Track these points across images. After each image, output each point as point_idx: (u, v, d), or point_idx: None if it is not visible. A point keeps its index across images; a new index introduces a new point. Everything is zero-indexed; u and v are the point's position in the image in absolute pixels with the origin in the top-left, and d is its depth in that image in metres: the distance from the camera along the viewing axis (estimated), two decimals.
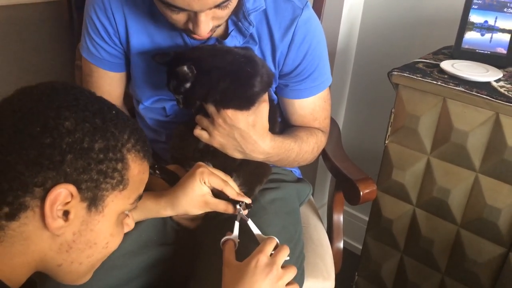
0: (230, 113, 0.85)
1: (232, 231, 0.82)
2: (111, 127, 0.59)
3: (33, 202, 0.55)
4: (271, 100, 0.95)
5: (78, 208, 0.57)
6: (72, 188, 0.55)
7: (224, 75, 0.84)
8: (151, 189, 0.89)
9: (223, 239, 0.82)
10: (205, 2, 0.75)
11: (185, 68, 0.82)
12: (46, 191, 0.54)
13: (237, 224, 0.83)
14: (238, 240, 0.81)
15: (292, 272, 0.76)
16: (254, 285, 0.72)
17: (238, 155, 0.91)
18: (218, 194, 0.85)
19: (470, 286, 1.21)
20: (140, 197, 0.65)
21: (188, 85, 0.85)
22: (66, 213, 0.56)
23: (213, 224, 0.93)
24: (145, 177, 0.65)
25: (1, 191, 0.54)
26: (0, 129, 0.55)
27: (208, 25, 0.79)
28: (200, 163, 0.85)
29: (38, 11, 4.70)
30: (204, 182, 0.82)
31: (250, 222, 0.83)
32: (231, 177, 0.90)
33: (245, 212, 0.84)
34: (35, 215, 0.55)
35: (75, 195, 0.56)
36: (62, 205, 0.55)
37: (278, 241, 0.79)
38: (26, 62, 3.56)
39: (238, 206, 0.83)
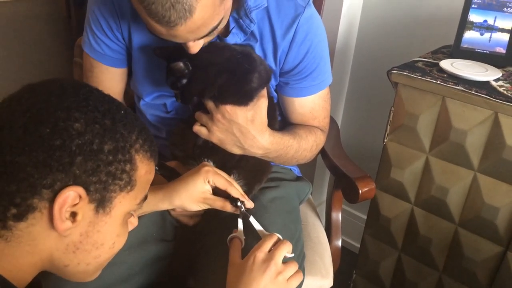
0: (229, 108, 0.85)
1: (236, 228, 0.83)
2: (121, 128, 0.58)
3: (41, 203, 0.54)
4: (270, 97, 0.95)
5: (86, 209, 0.57)
6: (80, 190, 0.55)
7: (221, 71, 0.84)
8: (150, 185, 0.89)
9: (229, 237, 0.82)
10: (190, 37, 0.76)
11: (181, 64, 0.83)
12: (55, 193, 0.54)
13: (240, 221, 0.83)
14: (244, 238, 0.82)
15: (293, 267, 0.76)
16: (252, 282, 0.72)
17: (237, 151, 0.91)
18: (218, 193, 0.85)
19: (467, 284, 1.21)
20: (145, 198, 0.65)
21: (184, 81, 0.85)
22: (73, 214, 0.56)
23: (213, 222, 0.93)
24: (151, 177, 0.65)
25: (9, 192, 0.53)
26: (10, 130, 0.54)
27: (198, 46, 0.80)
28: (205, 162, 0.86)
29: (36, 7, 4.69)
30: (208, 181, 0.83)
31: (252, 219, 0.83)
32: (232, 174, 0.90)
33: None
34: (43, 216, 0.55)
35: (84, 197, 0.55)
36: (70, 206, 0.55)
37: (281, 237, 0.79)
38: (24, 58, 3.55)
39: (239, 203, 0.83)
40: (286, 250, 0.76)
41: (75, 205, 0.55)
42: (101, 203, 0.58)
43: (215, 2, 0.72)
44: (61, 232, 0.56)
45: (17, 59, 3.54)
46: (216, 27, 0.77)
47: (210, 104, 0.87)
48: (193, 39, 0.78)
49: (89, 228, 0.58)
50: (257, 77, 0.86)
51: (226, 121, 0.86)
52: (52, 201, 0.54)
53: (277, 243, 0.77)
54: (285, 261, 0.77)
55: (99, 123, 0.56)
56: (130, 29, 0.93)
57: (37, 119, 0.54)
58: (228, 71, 0.85)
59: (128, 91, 1.08)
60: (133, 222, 0.68)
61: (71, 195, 0.54)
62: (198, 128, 0.90)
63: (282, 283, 0.74)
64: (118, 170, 0.58)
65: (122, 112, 0.60)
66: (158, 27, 0.72)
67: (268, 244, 0.77)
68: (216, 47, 0.87)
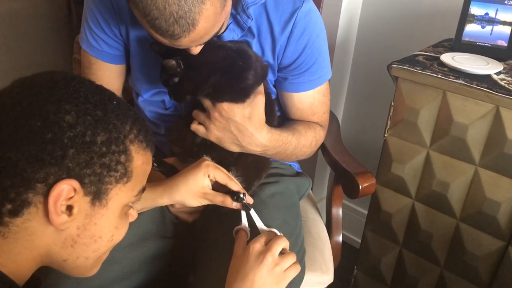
0: (225, 106, 0.85)
1: (237, 222, 0.83)
2: (113, 119, 0.57)
3: (36, 198, 0.54)
4: (268, 93, 0.94)
5: (81, 202, 0.56)
6: (75, 183, 0.54)
7: (215, 70, 0.84)
8: (148, 182, 0.89)
9: (235, 229, 0.82)
10: (192, 45, 0.77)
11: (173, 62, 0.82)
12: (49, 187, 0.54)
13: (243, 213, 0.83)
14: (249, 229, 0.82)
15: (290, 259, 0.76)
16: (249, 273, 0.72)
17: (235, 148, 0.90)
18: (217, 189, 0.84)
19: (469, 279, 1.21)
20: (143, 189, 0.64)
21: (176, 79, 0.84)
22: (69, 208, 0.56)
23: (212, 219, 0.93)
24: (148, 168, 0.64)
25: (3, 188, 0.53)
26: (0, 124, 0.54)
27: (199, 48, 0.81)
28: (205, 157, 0.85)
29: (36, 4, 4.69)
30: (208, 176, 0.83)
31: (252, 212, 0.83)
32: (230, 171, 0.90)
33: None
34: (38, 210, 0.55)
35: (78, 190, 0.55)
36: (66, 200, 0.55)
37: (279, 233, 0.79)
38: (24, 56, 3.55)
39: (241, 195, 0.83)
40: (284, 244, 0.77)
41: (70, 198, 0.55)
42: (97, 195, 0.57)
43: (216, 11, 0.72)
44: (58, 226, 0.56)
45: (17, 57, 3.54)
46: (218, 32, 0.78)
47: (207, 102, 0.86)
48: (196, 46, 0.79)
49: (86, 221, 0.58)
50: (253, 74, 0.85)
51: (223, 119, 0.85)
52: (47, 195, 0.54)
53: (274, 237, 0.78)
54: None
55: (90, 115, 0.56)
56: (127, 26, 0.93)
57: (28, 113, 0.54)
58: (223, 70, 0.84)
59: (127, 88, 1.08)
60: (133, 215, 0.67)
61: (65, 189, 0.54)
62: (196, 127, 0.89)
63: (279, 274, 0.74)
64: (113, 162, 0.57)
65: (115, 102, 0.59)
66: (161, 39, 0.73)
67: (265, 237, 0.77)
68: (212, 45, 0.87)
